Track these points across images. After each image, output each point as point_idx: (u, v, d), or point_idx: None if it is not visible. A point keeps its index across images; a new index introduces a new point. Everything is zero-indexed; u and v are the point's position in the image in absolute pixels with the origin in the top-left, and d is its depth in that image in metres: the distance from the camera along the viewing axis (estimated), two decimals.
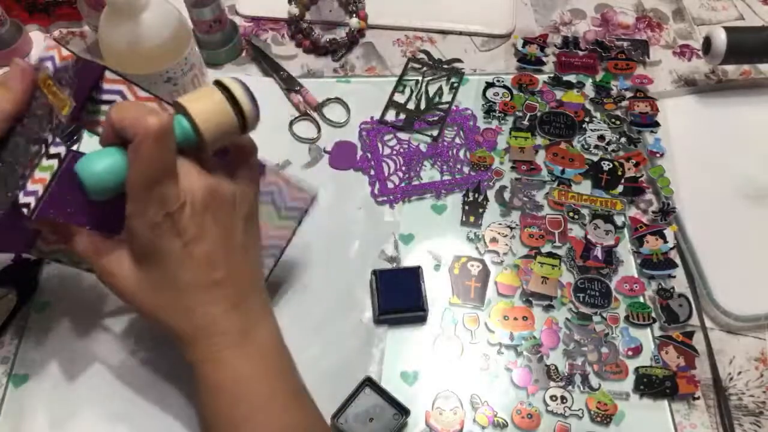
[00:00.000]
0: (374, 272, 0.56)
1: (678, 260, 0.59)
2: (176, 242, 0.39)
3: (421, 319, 0.56)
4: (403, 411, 0.50)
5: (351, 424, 0.50)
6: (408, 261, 0.59)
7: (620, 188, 0.63)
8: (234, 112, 0.38)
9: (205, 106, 0.37)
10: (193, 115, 0.37)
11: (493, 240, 0.60)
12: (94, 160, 0.37)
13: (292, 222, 0.51)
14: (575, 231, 0.61)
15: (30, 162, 0.40)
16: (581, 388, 0.53)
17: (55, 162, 0.39)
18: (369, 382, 0.51)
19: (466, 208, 0.62)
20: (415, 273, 0.56)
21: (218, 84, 0.38)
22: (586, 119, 0.67)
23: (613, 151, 0.65)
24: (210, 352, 0.41)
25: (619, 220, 0.61)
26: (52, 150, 0.40)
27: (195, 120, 0.37)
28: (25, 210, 0.39)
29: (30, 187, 0.39)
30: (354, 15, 0.73)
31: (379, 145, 0.66)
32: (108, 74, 0.40)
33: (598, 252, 0.59)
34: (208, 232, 0.40)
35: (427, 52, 0.73)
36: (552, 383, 0.53)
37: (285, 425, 0.42)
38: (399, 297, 0.55)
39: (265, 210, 0.47)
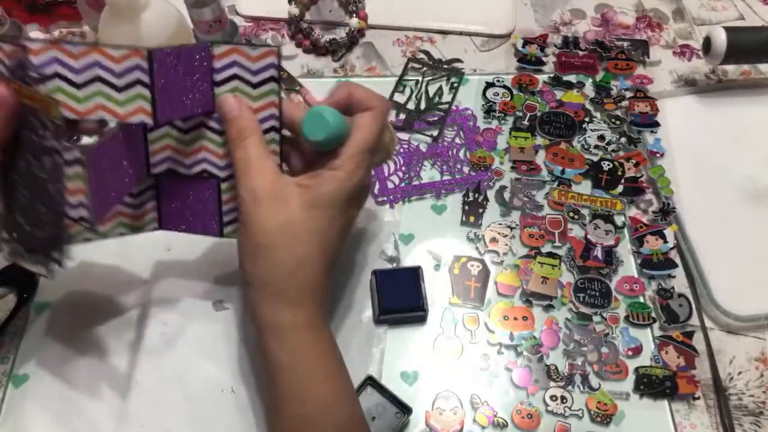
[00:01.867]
0: (374, 272, 0.56)
1: (678, 260, 0.59)
2: (356, 210, 0.46)
3: (421, 319, 0.56)
4: (405, 409, 0.50)
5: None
6: (408, 261, 0.59)
7: (620, 188, 0.63)
8: None
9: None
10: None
11: (493, 240, 0.60)
12: (332, 112, 0.43)
13: (270, 87, 0.45)
14: (575, 231, 0.61)
15: (54, 175, 0.39)
16: (581, 388, 0.53)
17: (79, 168, 0.39)
18: (371, 381, 0.51)
19: (466, 208, 0.62)
20: (415, 273, 0.56)
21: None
22: (586, 119, 0.67)
23: (613, 151, 0.66)
24: (308, 319, 0.44)
25: (619, 220, 0.61)
26: (67, 156, 0.39)
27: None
28: (84, 223, 0.41)
29: (72, 200, 0.40)
30: (354, 15, 0.73)
31: None
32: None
33: (598, 252, 0.59)
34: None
35: (427, 52, 0.73)
36: (552, 383, 0.53)
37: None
38: (399, 297, 0.55)
39: (234, 89, 0.45)
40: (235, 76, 0.44)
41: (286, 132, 0.46)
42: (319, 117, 0.42)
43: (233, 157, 0.44)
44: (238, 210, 0.44)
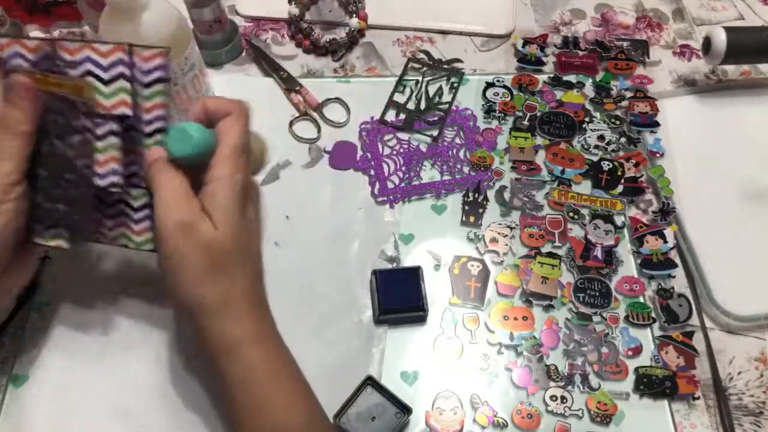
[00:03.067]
0: (374, 272, 0.56)
1: (678, 260, 0.59)
2: (252, 210, 0.47)
3: (421, 319, 0.56)
4: (405, 409, 0.50)
5: (353, 424, 0.50)
6: (408, 261, 0.59)
7: (620, 188, 0.63)
8: None
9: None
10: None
11: (493, 240, 0.60)
12: (195, 127, 0.43)
13: (159, 88, 0.45)
14: (575, 231, 0.61)
15: (83, 151, 0.44)
16: (581, 388, 0.53)
17: (113, 139, 0.44)
18: (370, 381, 0.51)
19: (466, 208, 0.62)
20: (415, 273, 0.56)
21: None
22: (586, 119, 0.67)
23: (613, 151, 0.65)
24: (233, 327, 0.44)
25: (619, 220, 0.61)
26: (99, 131, 0.44)
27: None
28: (114, 188, 0.45)
29: (102, 170, 0.44)
30: (354, 15, 0.73)
31: (379, 145, 0.66)
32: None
33: (598, 252, 0.59)
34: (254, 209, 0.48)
35: (427, 52, 0.73)
36: (552, 383, 0.53)
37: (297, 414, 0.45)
38: (399, 297, 0.55)
39: (121, 88, 0.44)
40: (121, 75, 0.44)
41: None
42: (181, 133, 0.43)
43: (147, 181, 0.45)
44: (157, 243, 0.44)
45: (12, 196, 0.42)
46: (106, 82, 0.43)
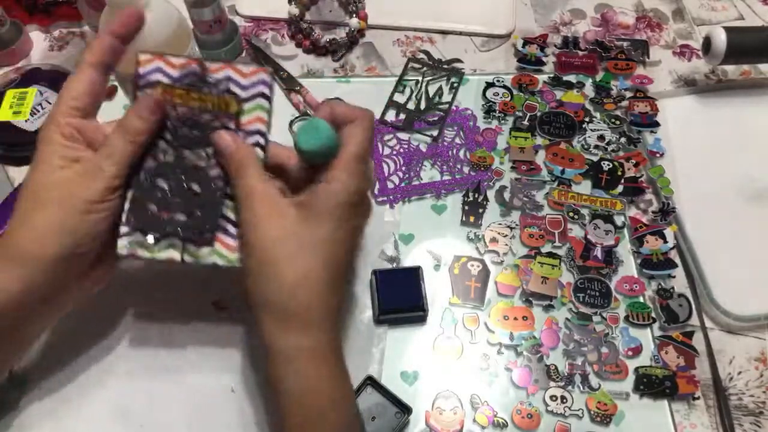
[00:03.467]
0: (374, 272, 0.56)
1: (678, 260, 0.59)
2: (358, 220, 0.45)
3: (421, 319, 0.56)
4: (405, 409, 0.50)
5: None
6: (408, 261, 0.59)
7: (620, 188, 0.63)
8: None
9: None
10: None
11: (493, 240, 0.60)
12: (324, 124, 0.44)
13: (259, 102, 0.47)
14: (575, 231, 0.61)
15: (217, 164, 0.46)
16: (581, 388, 0.53)
17: (263, 101, 0.47)
18: (370, 381, 0.51)
19: (466, 208, 0.62)
20: (415, 273, 0.56)
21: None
22: (586, 119, 0.67)
23: (613, 151, 0.66)
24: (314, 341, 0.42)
25: (619, 220, 0.61)
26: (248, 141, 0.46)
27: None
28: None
29: (250, 127, 0.46)
30: (354, 15, 0.73)
31: (379, 145, 0.66)
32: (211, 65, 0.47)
33: (598, 252, 0.59)
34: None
35: (427, 52, 0.73)
36: (552, 383, 0.53)
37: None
38: (399, 297, 0.55)
39: (259, 106, 0.47)
40: (261, 94, 0.47)
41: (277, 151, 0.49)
42: (311, 128, 0.43)
43: (235, 187, 0.44)
44: (243, 235, 0.44)
45: (112, 196, 0.43)
46: (244, 100, 0.46)
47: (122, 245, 0.45)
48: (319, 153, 0.43)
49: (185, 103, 0.46)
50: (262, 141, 0.47)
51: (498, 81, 0.70)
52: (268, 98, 0.47)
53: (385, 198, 0.62)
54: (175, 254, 0.45)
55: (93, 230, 0.43)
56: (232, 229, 0.46)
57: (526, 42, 0.73)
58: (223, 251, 0.46)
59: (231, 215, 0.46)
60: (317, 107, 0.47)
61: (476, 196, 0.62)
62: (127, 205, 0.45)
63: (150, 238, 0.45)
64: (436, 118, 0.67)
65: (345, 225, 0.43)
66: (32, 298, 0.42)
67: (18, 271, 0.41)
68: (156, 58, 0.46)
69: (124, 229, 0.45)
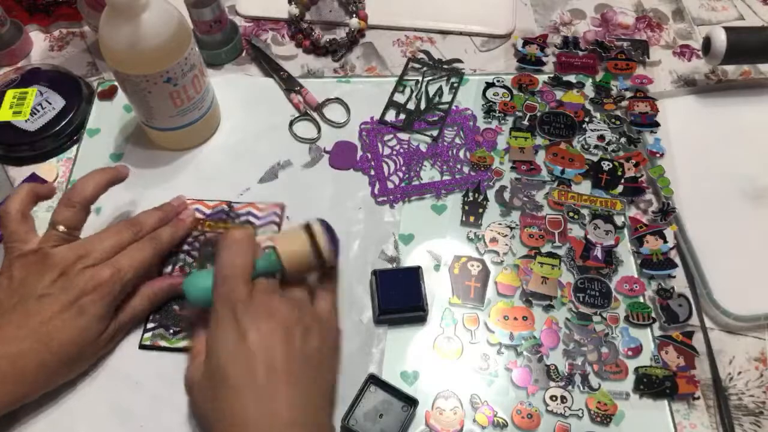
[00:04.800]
0: (374, 272, 0.56)
1: (678, 260, 0.59)
2: (232, 334, 0.43)
3: (421, 319, 0.56)
4: (410, 402, 0.50)
5: (362, 424, 0.50)
6: (408, 261, 0.59)
7: (620, 188, 0.63)
8: (313, 251, 0.47)
9: (290, 245, 0.48)
10: (279, 252, 0.47)
11: (493, 240, 0.60)
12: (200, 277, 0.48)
13: (271, 227, 0.59)
14: (575, 231, 0.61)
15: None
16: (581, 388, 0.53)
17: (273, 226, 0.59)
18: (373, 379, 0.51)
19: (466, 208, 0.62)
20: (415, 273, 0.56)
21: (306, 226, 0.48)
22: (586, 119, 0.67)
23: (613, 151, 0.66)
24: None
25: (619, 220, 0.61)
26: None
27: (280, 256, 0.47)
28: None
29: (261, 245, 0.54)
30: (354, 15, 0.73)
31: (379, 145, 0.66)
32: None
33: (598, 252, 0.59)
34: (269, 337, 0.44)
35: (427, 52, 0.73)
36: (552, 383, 0.53)
37: None
38: (399, 297, 0.55)
39: (270, 230, 0.59)
40: (272, 222, 0.59)
41: None
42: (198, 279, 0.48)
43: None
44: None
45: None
46: (259, 227, 0.59)
47: (147, 337, 0.54)
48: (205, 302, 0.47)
49: (213, 229, 0.59)
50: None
51: (498, 81, 0.70)
52: (278, 224, 0.59)
53: (385, 198, 0.62)
54: (188, 343, 0.53)
55: None
56: None
57: (526, 42, 0.73)
58: None
59: None
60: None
61: (476, 196, 0.62)
62: None
63: (171, 332, 0.54)
64: (436, 118, 0.67)
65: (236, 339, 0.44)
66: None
67: None
68: (195, 203, 0.60)
69: (150, 324, 0.54)
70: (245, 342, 0.42)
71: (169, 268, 0.57)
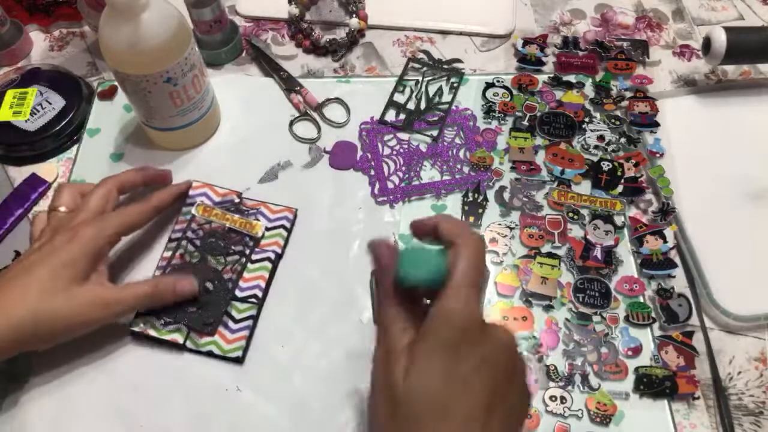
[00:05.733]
0: (373, 272, 0.56)
1: (678, 260, 0.59)
2: (473, 357, 0.35)
3: None
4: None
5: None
6: None
7: (620, 188, 0.63)
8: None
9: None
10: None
11: (493, 240, 0.60)
12: (432, 249, 0.40)
13: (280, 232, 0.58)
14: (575, 231, 0.61)
15: (233, 268, 0.56)
16: (581, 388, 0.53)
17: (268, 264, 0.57)
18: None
19: (466, 208, 0.62)
20: None
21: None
22: (586, 119, 0.67)
23: (612, 151, 0.65)
24: None
25: (618, 220, 0.61)
26: (255, 257, 0.57)
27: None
28: (253, 300, 0.55)
29: (246, 284, 0.55)
30: (354, 15, 0.73)
31: (379, 145, 0.66)
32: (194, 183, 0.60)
33: (598, 252, 0.59)
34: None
35: (427, 52, 0.73)
36: (551, 383, 0.53)
37: None
38: None
39: (279, 234, 0.59)
40: (282, 226, 0.59)
41: None
42: (418, 255, 0.39)
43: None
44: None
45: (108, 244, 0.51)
46: (268, 228, 0.58)
47: (137, 323, 0.53)
48: (427, 283, 0.39)
49: (219, 219, 0.58)
50: (272, 256, 0.57)
51: (498, 81, 0.70)
52: (288, 229, 0.59)
53: (385, 198, 0.62)
54: (179, 338, 0.53)
55: None
56: (232, 324, 0.54)
57: (526, 42, 0.73)
58: (221, 343, 0.53)
59: (234, 314, 0.54)
60: (421, 223, 0.42)
61: (476, 196, 0.62)
62: None
63: (162, 321, 0.53)
64: (436, 118, 0.67)
65: (451, 367, 0.35)
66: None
67: None
68: (205, 186, 0.60)
69: (141, 310, 0.53)
70: (455, 372, 0.35)
71: (169, 253, 0.57)
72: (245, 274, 0.56)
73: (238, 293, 0.55)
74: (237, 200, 0.59)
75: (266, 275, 0.56)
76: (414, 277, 0.39)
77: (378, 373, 0.38)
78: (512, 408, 0.37)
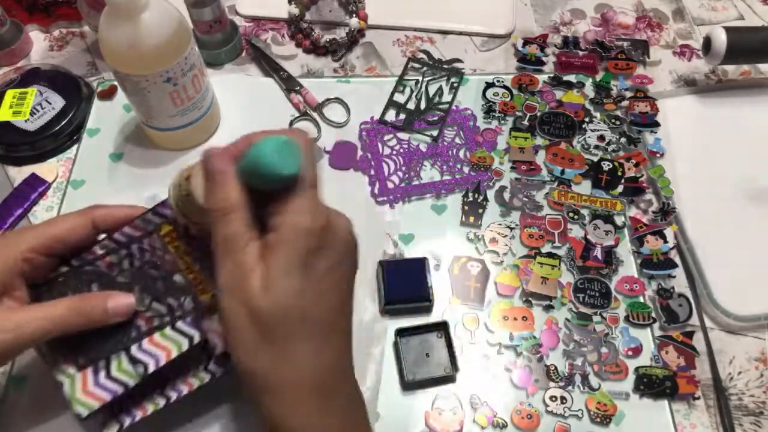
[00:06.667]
0: (381, 263, 0.57)
1: (678, 260, 0.59)
2: (323, 263, 0.36)
3: (427, 310, 0.56)
4: (441, 326, 0.54)
5: (417, 371, 0.52)
6: None
7: (620, 188, 0.63)
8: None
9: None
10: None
11: (493, 240, 0.60)
12: (294, 142, 0.36)
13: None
14: (575, 231, 0.61)
15: (148, 319, 0.43)
16: (581, 389, 0.53)
17: (185, 342, 0.42)
18: (399, 333, 0.54)
19: (466, 208, 0.62)
20: (420, 264, 0.56)
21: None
22: (586, 119, 0.67)
23: (613, 151, 0.65)
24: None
25: (619, 220, 0.61)
26: (182, 326, 0.43)
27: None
28: (142, 369, 0.41)
29: (148, 346, 0.42)
30: (354, 15, 0.73)
31: (379, 145, 0.66)
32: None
33: (598, 252, 0.59)
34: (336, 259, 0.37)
35: (427, 52, 0.73)
36: (552, 383, 0.53)
37: None
38: (405, 287, 0.55)
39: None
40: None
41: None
42: (287, 149, 0.35)
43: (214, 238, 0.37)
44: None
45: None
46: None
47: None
48: (285, 180, 0.36)
49: (177, 258, 0.44)
50: (195, 340, 0.43)
51: (498, 81, 0.70)
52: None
53: (385, 198, 0.62)
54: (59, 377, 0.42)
55: None
56: (103, 376, 0.42)
57: (526, 42, 0.73)
58: (77, 385, 0.42)
59: (113, 367, 0.42)
60: (242, 139, 0.39)
61: (476, 196, 0.62)
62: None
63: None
64: (436, 118, 0.67)
65: (307, 273, 0.36)
66: None
67: None
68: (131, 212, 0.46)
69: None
70: (312, 277, 0.36)
71: (100, 251, 0.45)
72: (155, 336, 0.42)
73: (134, 350, 0.42)
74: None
75: (173, 353, 0.42)
76: (288, 171, 0.35)
77: (231, 281, 0.36)
78: (351, 281, 0.40)
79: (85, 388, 0.41)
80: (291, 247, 0.35)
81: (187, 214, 0.40)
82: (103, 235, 0.45)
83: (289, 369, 0.36)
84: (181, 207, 0.40)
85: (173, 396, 0.45)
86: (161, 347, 0.42)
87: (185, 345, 0.42)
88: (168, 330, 0.43)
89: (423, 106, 0.68)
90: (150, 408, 0.44)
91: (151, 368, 0.41)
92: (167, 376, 0.44)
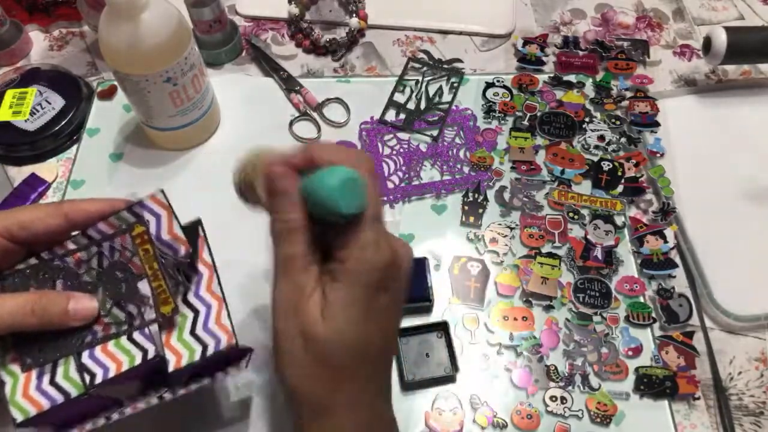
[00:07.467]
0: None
1: (678, 260, 0.59)
2: (385, 298, 0.36)
3: (427, 310, 0.56)
4: (441, 326, 0.54)
5: (420, 371, 0.52)
6: None
7: (620, 188, 0.63)
8: None
9: None
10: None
11: (493, 240, 0.60)
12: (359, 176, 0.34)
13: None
14: (575, 231, 0.61)
15: (106, 325, 0.40)
16: (581, 389, 0.53)
17: (139, 355, 0.39)
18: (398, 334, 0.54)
19: (466, 208, 0.62)
20: (421, 264, 0.56)
21: None
22: (586, 119, 0.67)
23: (613, 151, 0.65)
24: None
25: (619, 220, 0.61)
26: (138, 338, 0.40)
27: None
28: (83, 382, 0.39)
29: (100, 355, 0.39)
30: (354, 15, 0.73)
31: (379, 145, 0.66)
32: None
33: (598, 252, 0.59)
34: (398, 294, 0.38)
35: (427, 52, 0.73)
36: (552, 384, 0.53)
37: None
38: None
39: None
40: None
41: None
42: (351, 185, 0.33)
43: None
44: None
45: None
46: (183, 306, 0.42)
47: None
48: (350, 216, 0.34)
49: (144, 262, 0.41)
50: (151, 356, 0.40)
51: (498, 81, 0.70)
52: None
53: (385, 198, 0.62)
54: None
55: None
56: (46, 382, 0.39)
57: (526, 42, 0.73)
58: (19, 386, 0.39)
59: (59, 373, 0.39)
60: (305, 153, 0.37)
61: (476, 196, 0.62)
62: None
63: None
64: (436, 118, 0.67)
65: (368, 309, 0.35)
66: None
67: None
68: (165, 209, 0.42)
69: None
70: (372, 313, 0.36)
71: (71, 246, 0.42)
72: (109, 345, 0.40)
73: (85, 357, 0.39)
74: (183, 254, 0.41)
75: (123, 365, 0.39)
76: (354, 209, 0.34)
77: (287, 302, 0.35)
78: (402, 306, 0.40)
79: (26, 392, 0.39)
80: (356, 281, 0.35)
81: (247, 195, 0.40)
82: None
83: (344, 397, 0.36)
84: (243, 190, 0.40)
85: (114, 417, 0.41)
86: (113, 358, 0.39)
87: (138, 358, 0.39)
88: (123, 340, 0.40)
89: (423, 106, 0.68)
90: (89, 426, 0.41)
91: (98, 380, 0.39)
92: (113, 390, 0.41)
